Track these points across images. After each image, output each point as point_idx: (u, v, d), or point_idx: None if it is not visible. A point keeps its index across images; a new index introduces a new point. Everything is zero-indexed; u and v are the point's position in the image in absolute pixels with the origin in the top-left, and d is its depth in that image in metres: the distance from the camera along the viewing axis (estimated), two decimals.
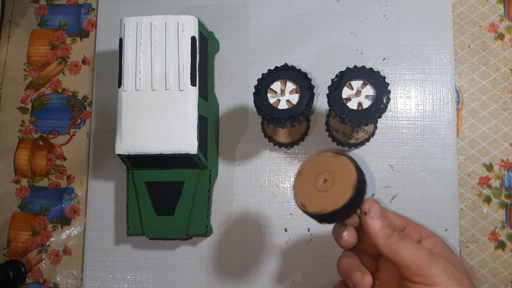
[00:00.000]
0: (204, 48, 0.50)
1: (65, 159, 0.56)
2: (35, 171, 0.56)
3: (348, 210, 0.32)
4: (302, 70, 0.43)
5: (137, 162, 0.48)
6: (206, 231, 0.49)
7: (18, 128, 0.57)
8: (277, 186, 0.52)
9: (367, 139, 0.50)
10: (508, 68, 0.51)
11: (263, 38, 0.54)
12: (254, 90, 0.43)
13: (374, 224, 0.32)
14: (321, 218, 0.32)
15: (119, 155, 0.47)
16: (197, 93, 0.47)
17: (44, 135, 0.57)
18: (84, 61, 0.57)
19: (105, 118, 0.55)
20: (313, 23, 0.53)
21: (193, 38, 0.47)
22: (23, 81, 0.58)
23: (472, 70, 0.51)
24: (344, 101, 0.41)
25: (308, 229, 0.50)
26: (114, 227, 0.53)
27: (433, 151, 0.50)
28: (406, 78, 0.51)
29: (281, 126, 0.45)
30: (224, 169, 0.52)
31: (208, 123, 0.50)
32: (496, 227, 0.49)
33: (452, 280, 0.31)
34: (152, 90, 0.47)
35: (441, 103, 0.51)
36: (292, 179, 0.34)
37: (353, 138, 0.49)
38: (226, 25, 0.55)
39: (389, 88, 0.41)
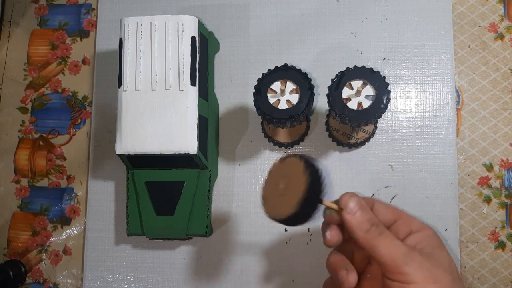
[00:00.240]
0: (204, 48, 0.50)
1: (65, 159, 0.56)
2: (35, 171, 0.56)
3: (308, 208, 0.32)
4: (302, 70, 0.43)
5: (137, 162, 0.48)
6: (206, 231, 0.49)
7: (18, 128, 0.57)
8: None
9: (367, 139, 0.50)
10: (508, 68, 0.51)
11: (263, 38, 0.54)
12: (254, 90, 0.43)
13: (351, 219, 0.33)
14: (287, 222, 0.33)
15: (119, 155, 0.47)
16: (197, 93, 0.47)
17: (44, 135, 0.57)
18: (84, 61, 0.57)
19: (105, 118, 0.55)
20: (313, 23, 0.53)
21: (193, 38, 0.47)
22: (23, 81, 0.58)
23: (472, 70, 0.51)
24: (344, 101, 0.41)
25: (308, 229, 0.50)
26: (114, 227, 0.53)
27: (433, 151, 0.50)
28: (406, 78, 0.51)
29: (281, 126, 0.45)
30: (224, 169, 0.52)
31: (208, 123, 0.50)
32: (496, 227, 0.49)
33: (428, 278, 0.30)
34: (152, 90, 0.47)
35: (441, 103, 0.51)
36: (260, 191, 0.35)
37: (353, 138, 0.49)
38: (226, 25, 0.55)
39: (389, 88, 0.41)
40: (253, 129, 0.53)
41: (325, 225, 0.35)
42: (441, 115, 0.50)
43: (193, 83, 0.47)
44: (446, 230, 0.49)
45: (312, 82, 0.43)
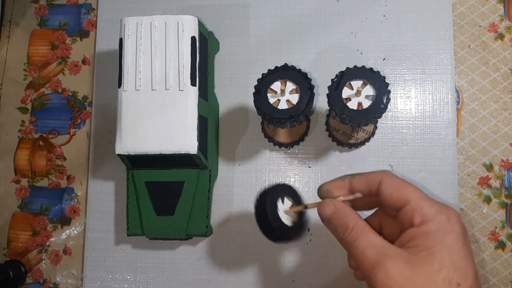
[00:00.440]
0: (204, 48, 0.50)
1: (65, 159, 0.56)
2: (35, 171, 0.56)
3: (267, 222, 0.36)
4: (302, 70, 0.43)
5: (137, 162, 0.48)
6: (206, 231, 0.49)
7: (18, 128, 0.57)
8: None
9: (367, 139, 0.50)
10: (508, 68, 0.51)
11: (263, 38, 0.54)
12: (254, 90, 0.43)
13: (328, 226, 0.33)
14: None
15: (119, 155, 0.47)
16: (197, 93, 0.47)
17: (44, 135, 0.57)
18: (84, 61, 0.57)
19: (105, 118, 0.55)
20: (313, 23, 0.53)
21: (193, 38, 0.47)
22: (23, 81, 0.58)
23: (472, 70, 0.51)
24: (344, 101, 0.41)
25: (308, 229, 0.50)
26: (114, 227, 0.53)
27: (433, 151, 0.50)
28: (406, 78, 0.51)
29: (281, 126, 0.45)
30: (224, 169, 0.52)
31: (208, 123, 0.50)
32: (496, 227, 0.49)
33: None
34: (152, 90, 0.47)
35: (441, 103, 0.51)
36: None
37: (353, 138, 0.49)
38: (226, 25, 0.55)
39: (389, 88, 0.41)
40: (253, 129, 0.53)
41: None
42: (441, 115, 0.50)
43: (193, 83, 0.47)
44: None
45: (312, 82, 0.43)
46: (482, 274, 0.48)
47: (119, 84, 0.48)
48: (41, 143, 0.57)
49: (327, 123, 0.51)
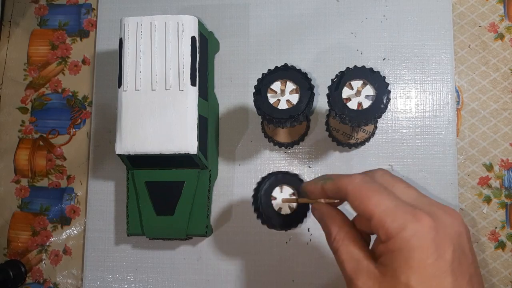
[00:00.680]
0: (204, 48, 0.50)
1: (65, 159, 0.56)
2: (35, 171, 0.56)
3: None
4: (302, 70, 0.43)
5: (137, 162, 0.48)
6: (206, 231, 0.49)
7: (18, 128, 0.57)
8: None
9: (367, 139, 0.50)
10: (508, 68, 0.51)
11: (263, 38, 0.54)
12: (254, 90, 0.43)
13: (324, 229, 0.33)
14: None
15: (119, 155, 0.47)
16: (197, 93, 0.47)
17: (44, 135, 0.57)
18: (84, 61, 0.57)
19: (105, 118, 0.55)
20: (313, 23, 0.53)
21: (193, 38, 0.47)
22: (23, 81, 0.58)
23: (472, 70, 0.51)
24: (344, 101, 0.41)
25: (308, 229, 0.50)
26: (114, 227, 0.53)
27: (433, 151, 0.50)
28: (406, 78, 0.51)
29: (281, 126, 0.45)
30: (224, 169, 0.52)
31: (208, 123, 0.50)
32: (496, 227, 0.49)
33: None
34: (152, 90, 0.47)
35: (441, 103, 0.51)
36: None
37: (353, 138, 0.49)
38: (226, 25, 0.55)
39: (389, 88, 0.41)
40: (253, 129, 0.53)
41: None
42: (441, 115, 0.50)
43: (193, 83, 0.47)
44: None
45: (312, 82, 0.43)
46: (482, 274, 0.48)
47: (119, 84, 0.48)
48: (41, 143, 0.57)
49: (327, 123, 0.51)
